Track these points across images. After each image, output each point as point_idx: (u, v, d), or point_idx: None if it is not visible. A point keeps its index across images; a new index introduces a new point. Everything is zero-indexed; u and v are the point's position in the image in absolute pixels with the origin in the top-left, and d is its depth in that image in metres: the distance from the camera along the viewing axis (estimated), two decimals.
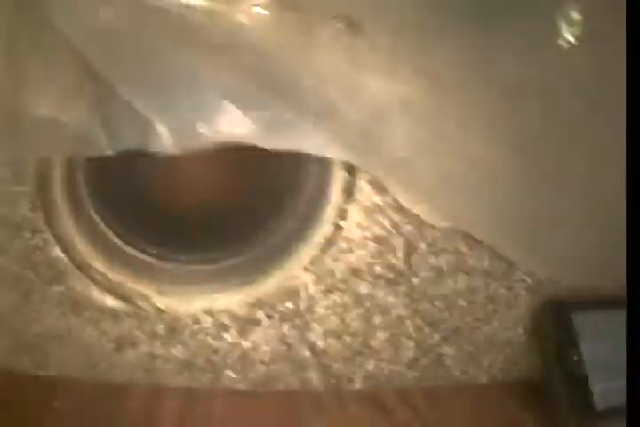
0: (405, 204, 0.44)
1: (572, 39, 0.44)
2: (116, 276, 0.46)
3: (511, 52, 0.45)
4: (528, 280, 0.49)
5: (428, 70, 0.44)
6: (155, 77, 0.39)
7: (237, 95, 0.40)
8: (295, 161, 0.45)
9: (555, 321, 0.51)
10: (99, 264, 0.46)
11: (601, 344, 0.51)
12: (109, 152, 0.42)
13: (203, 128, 0.39)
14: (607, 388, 0.50)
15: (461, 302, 0.48)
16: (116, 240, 0.47)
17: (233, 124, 0.39)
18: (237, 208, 0.49)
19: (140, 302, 0.46)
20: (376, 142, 0.44)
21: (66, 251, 0.46)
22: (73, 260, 0.46)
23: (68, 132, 0.44)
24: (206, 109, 0.40)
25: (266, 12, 0.41)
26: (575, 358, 0.49)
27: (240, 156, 0.46)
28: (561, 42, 0.44)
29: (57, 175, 0.45)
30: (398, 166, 0.44)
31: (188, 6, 0.40)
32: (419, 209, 0.44)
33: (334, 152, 0.42)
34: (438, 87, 0.44)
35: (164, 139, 0.39)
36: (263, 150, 0.42)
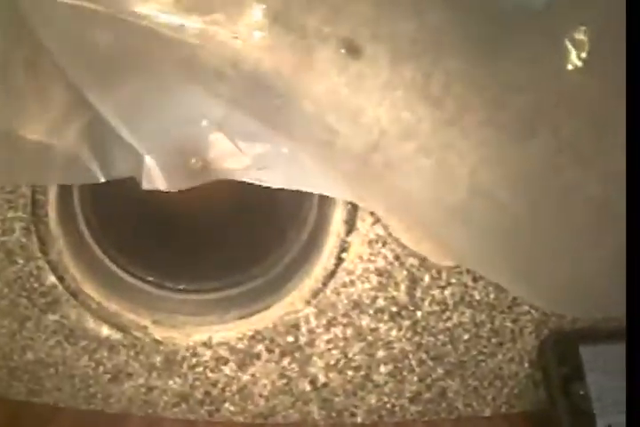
0: (408, 243, 0.43)
1: (578, 62, 0.42)
2: (111, 305, 0.45)
3: (517, 76, 0.43)
4: (533, 313, 0.48)
5: (431, 96, 0.42)
6: (146, 107, 0.37)
7: (231, 127, 0.38)
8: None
9: (560, 354, 0.49)
10: (94, 292, 0.45)
11: (608, 378, 0.49)
12: (102, 179, 0.40)
13: (194, 164, 0.37)
14: (613, 422, 0.49)
15: (466, 336, 0.46)
16: (112, 268, 0.46)
17: (226, 159, 0.38)
18: (239, 237, 0.47)
19: (136, 333, 0.45)
20: (376, 174, 0.42)
21: (60, 278, 0.44)
22: (67, 288, 0.44)
23: (61, 159, 0.42)
24: (199, 143, 0.38)
25: (263, 34, 0.39)
26: (581, 393, 0.48)
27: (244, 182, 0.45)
28: (568, 65, 0.43)
29: (52, 201, 0.44)
30: (400, 201, 0.42)
31: (181, 28, 0.38)
32: (422, 248, 0.43)
33: (333, 189, 0.40)
34: (442, 114, 0.43)
35: (154, 174, 0.37)
36: None
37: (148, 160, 0.37)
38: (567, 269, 0.48)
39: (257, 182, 0.38)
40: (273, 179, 0.39)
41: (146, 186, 0.37)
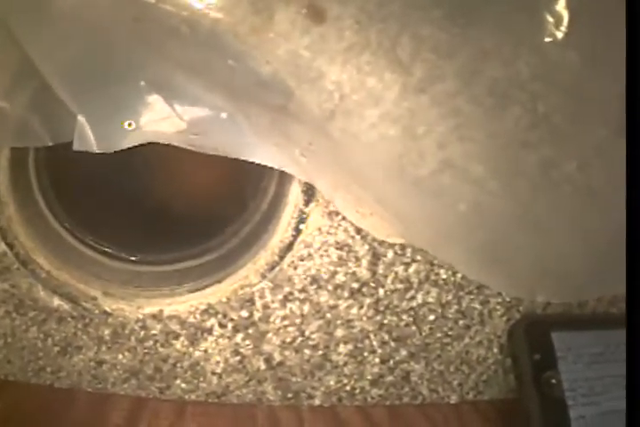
0: (352, 217, 0.38)
1: (558, 34, 0.37)
2: (62, 274, 0.40)
3: (491, 44, 0.39)
4: (504, 295, 0.43)
5: (399, 62, 0.37)
6: (86, 65, 0.33)
7: (171, 90, 0.34)
8: None
9: (532, 340, 0.44)
10: (45, 261, 0.40)
11: (581, 367, 0.44)
12: (49, 143, 0.36)
13: (130, 126, 0.33)
14: (587, 413, 0.44)
15: (431, 317, 0.42)
16: (65, 236, 0.42)
17: (160, 123, 0.34)
18: (198, 208, 0.43)
19: (85, 304, 0.40)
20: (332, 143, 0.38)
21: (10, 246, 0.40)
22: (17, 255, 0.40)
23: (12, 121, 0.38)
24: (133, 105, 0.34)
25: None
26: (553, 381, 0.43)
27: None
28: (546, 37, 0.38)
29: (3, 165, 0.40)
30: (354, 172, 0.37)
31: None
32: (367, 223, 0.38)
33: (272, 159, 0.36)
34: (410, 81, 0.38)
35: (85, 134, 0.33)
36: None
37: (80, 119, 0.33)
38: (540, 251, 0.43)
39: (191, 148, 0.34)
40: (207, 145, 0.34)
41: (76, 146, 0.33)
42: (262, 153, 0.35)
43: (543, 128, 0.41)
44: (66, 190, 0.42)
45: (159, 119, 0.33)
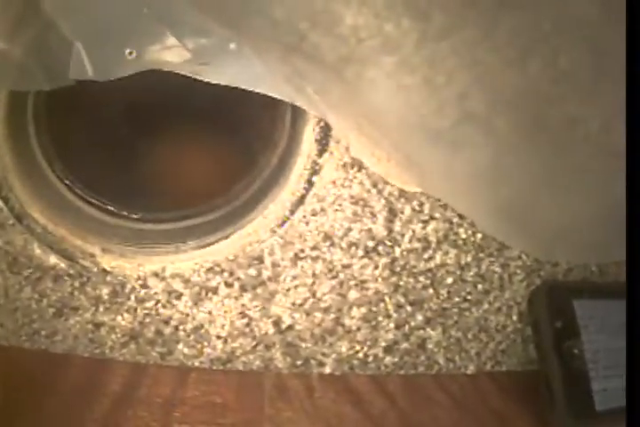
0: (368, 162, 0.33)
1: None
2: (59, 230, 0.36)
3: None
4: (524, 258, 0.38)
5: (418, 8, 0.33)
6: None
7: (177, 19, 0.30)
8: (271, 107, 0.35)
9: (553, 307, 0.39)
10: (41, 216, 0.35)
11: (604, 337, 0.39)
12: (46, 87, 0.32)
13: (131, 55, 0.29)
14: (609, 386, 0.39)
15: (449, 279, 0.37)
16: (63, 191, 0.37)
17: (164, 51, 0.29)
18: (206, 164, 0.38)
19: (83, 262, 0.35)
20: (348, 87, 0.33)
21: (5, 199, 0.35)
22: (12, 209, 0.35)
23: (11, 65, 0.34)
24: (136, 34, 0.30)
25: None
26: (575, 352, 0.37)
27: (211, 103, 0.36)
28: None
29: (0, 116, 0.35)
30: (371, 119, 0.33)
31: None
32: (382, 168, 0.33)
33: (284, 91, 0.31)
34: (429, 28, 0.34)
35: (82, 62, 0.29)
36: (232, 96, 0.32)
37: (77, 46, 0.29)
38: (561, 210, 0.38)
39: (196, 77, 0.30)
40: (215, 75, 0.30)
41: (72, 75, 0.29)
42: (272, 85, 0.31)
43: (566, 84, 0.36)
44: (66, 143, 0.37)
45: (162, 48, 0.29)
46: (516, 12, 0.35)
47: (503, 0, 0.34)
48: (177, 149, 0.39)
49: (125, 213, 0.37)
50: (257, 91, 0.30)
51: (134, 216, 0.37)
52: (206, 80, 0.29)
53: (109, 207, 0.37)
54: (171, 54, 0.29)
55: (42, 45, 0.34)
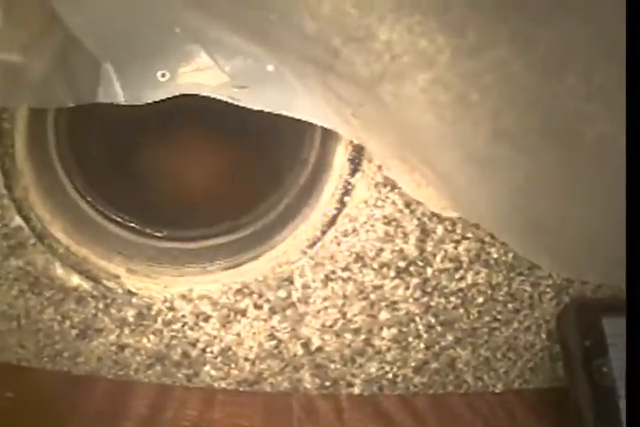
0: (406, 187, 0.32)
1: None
2: (82, 250, 0.34)
3: (546, 9, 0.33)
4: (554, 276, 0.37)
5: (452, 24, 0.32)
6: (112, 10, 0.27)
7: (210, 39, 0.28)
8: (298, 125, 0.33)
9: (582, 325, 0.38)
10: (63, 236, 0.34)
11: None
12: (70, 104, 0.30)
13: (164, 77, 0.27)
14: None
15: (480, 299, 0.36)
16: (86, 209, 0.35)
17: (199, 74, 0.27)
18: (231, 181, 0.37)
19: (107, 283, 0.34)
20: (383, 105, 0.32)
21: (26, 219, 0.34)
22: (33, 229, 0.34)
23: (31, 80, 0.32)
24: (169, 55, 0.28)
25: None
26: (604, 370, 0.36)
27: (237, 122, 0.34)
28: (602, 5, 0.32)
29: (20, 130, 0.33)
30: (407, 138, 0.31)
31: None
32: (421, 193, 0.32)
33: (323, 117, 0.29)
34: (463, 44, 0.32)
35: (112, 84, 0.27)
36: (262, 113, 0.30)
37: (106, 67, 0.27)
38: (592, 229, 0.37)
39: (233, 101, 0.28)
40: (253, 99, 0.28)
41: (102, 97, 0.27)
42: (313, 110, 0.29)
43: (598, 100, 0.35)
44: (88, 159, 0.35)
45: (197, 70, 0.27)
46: (548, 29, 0.33)
47: (536, 17, 0.33)
48: (202, 165, 0.37)
49: (149, 231, 0.35)
50: (299, 118, 0.29)
51: (159, 234, 0.35)
52: (245, 105, 0.28)
53: (133, 225, 0.36)
54: (206, 77, 0.27)
55: (64, 60, 0.32)
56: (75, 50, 0.31)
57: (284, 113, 0.28)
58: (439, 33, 0.32)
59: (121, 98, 0.27)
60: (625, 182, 0.32)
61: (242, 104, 0.28)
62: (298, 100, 0.29)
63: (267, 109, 0.28)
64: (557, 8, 0.34)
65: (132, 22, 0.28)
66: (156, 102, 0.27)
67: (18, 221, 0.34)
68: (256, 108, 0.28)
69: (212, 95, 0.28)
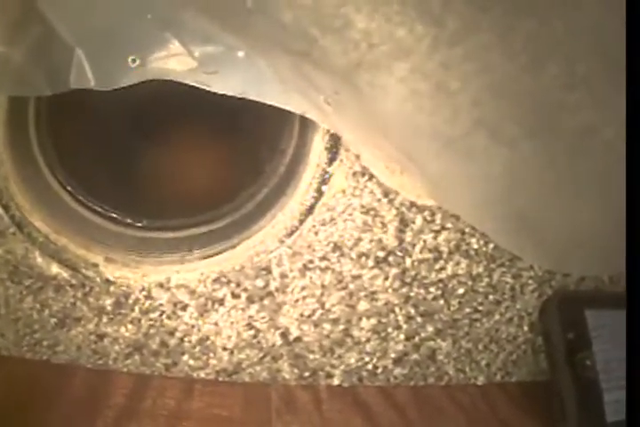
0: (380, 174, 0.31)
1: None
2: (61, 239, 0.34)
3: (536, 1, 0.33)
4: (536, 268, 0.36)
5: (431, 13, 0.31)
6: (85, 1, 0.27)
7: (182, 26, 0.28)
8: (277, 116, 0.33)
9: (565, 317, 0.37)
10: (42, 225, 0.34)
11: (616, 347, 0.37)
12: (47, 92, 0.30)
13: (134, 62, 0.27)
14: (621, 398, 0.37)
15: (460, 290, 0.35)
16: (66, 199, 0.35)
17: (169, 59, 0.27)
18: (211, 172, 0.37)
19: (85, 271, 0.34)
20: (359, 94, 0.31)
21: (5, 207, 0.33)
22: (13, 218, 0.33)
23: (10, 69, 0.32)
24: (140, 41, 0.27)
25: None
26: (587, 363, 0.36)
27: (217, 113, 0.34)
28: None
29: None
30: (383, 127, 0.31)
31: None
32: (395, 181, 0.31)
33: (294, 102, 0.29)
34: (442, 33, 0.32)
35: (83, 69, 0.27)
36: (239, 102, 0.30)
37: (78, 53, 0.27)
38: (574, 220, 0.37)
39: (202, 87, 0.28)
40: (222, 85, 0.28)
41: (73, 83, 0.27)
42: (283, 96, 0.29)
43: (581, 91, 0.34)
44: (68, 149, 0.35)
45: (167, 56, 0.27)
46: (530, 18, 0.33)
47: (517, 6, 0.32)
48: (181, 155, 0.37)
49: (129, 221, 0.35)
50: (267, 102, 0.29)
51: (138, 224, 0.35)
52: (213, 90, 0.27)
53: (113, 215, 0.35)
54: (176, 62, 0.27)
55: (42, 49, 0.32)
56: (52, 38, 0.31)
57: (253, 98, 0.28)
58: (418, 22, 0.32)
59: (92, 83, 0.27)
60: (617, 177, 0.31)
61: (210, 89, 0.28)
62: (268, 86, 0.28)
63: (235, 95, 0.28)
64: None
65: (104, 8, 0.28)
66: (126, 88, 0.27)
67: None
68: (224, 92, 0.28)
69: (181, 80, 0.27)
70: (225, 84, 0.28)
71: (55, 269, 0.34)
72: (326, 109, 0.29)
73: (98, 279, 0.34)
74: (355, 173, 0.33)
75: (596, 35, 0.33)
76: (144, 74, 0.27)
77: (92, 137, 0.35)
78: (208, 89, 0.27)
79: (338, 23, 0.32)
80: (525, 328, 0.37)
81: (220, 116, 0.34)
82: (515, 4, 0.33)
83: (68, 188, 0.35)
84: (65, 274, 0.34)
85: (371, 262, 0.34)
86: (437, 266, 0.34)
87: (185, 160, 0.37)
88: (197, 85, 0.27)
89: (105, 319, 0.34)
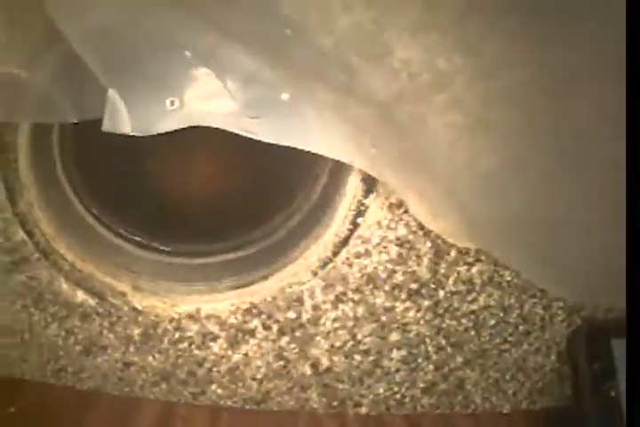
0: (423, 219, 0.30)
1: None
2: (87, 266, 0.33)
3: (560, 31, 0.31)
4: (567, 299, 0.36)
5: (473, 45, 0.30)
6: (117, 31, 0.25)
7: (220, 60, 0.25)
8: None
9: (592, 347, 0.37)
10: (68, 251, 0.32)
11: None
12: (73, 119, 0.28)
13: (173, 104, 0.25)
14: None
15: (492, 321, 0.35)
16: (92, 224, 0.34)
17: (210, 101, 0.25)
18: (241, 195, 0.35)
19: (113, 300, 0.33)
20: (398, 129, 0.30)
21: (29, 233, 0.32)
22: (37, 245, 0.32)
23: (33, 94, 0.30)
24: (177, 79, 0.25)
25: None
26: (612, 394, 0.36)
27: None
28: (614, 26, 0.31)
29: (22, 144, 0.32)
30: (423, 164, 0.30)
31: None
32: (438, 226, 0.30)
33: (337, 150, 0.27)
34: (484, 66, 0.31)
35: (118, 112, 0.25)
36: None
37: (112, 94, 0.25)
38: (602, 252, 0.36)
39: (244, 133, 0.26)
40: (265, 131, 0.26)
41: (107, 126, 0.25)
42: (329, 143, 0.27)
43: (608, 123, 0.34)
44: (93, 172, 0.34)
45: (207, 97, 0.25)
46: (561, 52, 0.32)
47: (550, 39, 0.31)
48: (212, 178, 0.36)
49: (156, 245, 0.34)
50: (314, 151, 0.27)
51: (165, 248, 0.34)
52: (258, 138, 0.26)
53: (138, 238, 0.34)
54: (216, 104, 0.25)
55: (67, 74, 0.30)
56: (77, 64, 0.29)
57: (299, 147, 0.27)
58: (456, 52, 0.30)
59: (128, 129, 0.25)
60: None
61: (253, 136, 0.26)
62: (313, 133, 0.27)
63: (280, 143, 0.26)
64: (573, 34, 0.32)
65: (137, 44, 0.26)
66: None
67: (21, 235, 0.33)
68: (269, 140, 0.26)
69: (222, 127, 0.26)
70: (269, 131, 0.26)
71: (81, 296, 0.33)
72: (372, 154, 0.28)
73: (125, 308, 0.33)
74: (390, 206, 0.32)
75: (622, 66, 0.33)
76: (184, 118, 0.25)
77: (117, 159, 0.34)
78: (252, 137, 0.26)
79: (377, 50, 0.31)
80: (553, 357, 0.36)
81: (252, 140, 0.32)
82: (548, 38, 0.32)
83: (94, 211, 0.34)
84: (91, 302, 0.33)
85: (404, 295, 0.33)
86: (470, 298, 0.34)
87: (216, 183, 0.36)
88: (236, 131, 0.26)
89: (132, 348, 0.33)
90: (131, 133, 0.25)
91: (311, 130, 0.27)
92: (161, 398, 0.34)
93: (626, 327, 0.28)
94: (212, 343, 0.33)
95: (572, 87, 0.32)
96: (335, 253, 0.32)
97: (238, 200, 0.35)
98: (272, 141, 0.26)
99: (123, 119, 0.24)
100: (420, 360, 0.34)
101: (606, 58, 0.32)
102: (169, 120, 0.25)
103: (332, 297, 0.33)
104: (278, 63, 0.28)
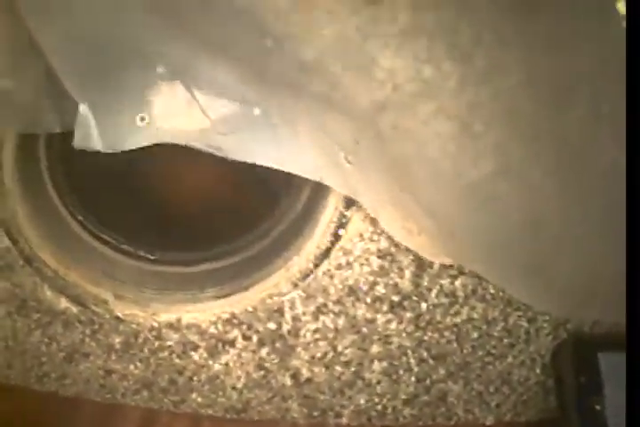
0: (398, 235, 0.29)
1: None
2: (70, 273, 0.32)
3: (555, 33, 0.31)
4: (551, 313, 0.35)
5: (461, 51, 0.29)
6: (89, 43, 0.24)
7: (193, 75, 0.25)
8: None
9: (578, 361, 0.37)
10: (52, 259, 0.32)
11: None
12: (58, 129, 0.28)
13: (142, 121, 0.25)
14: None
15: (475, 334, 0.34)
16: (75, 228, 0.34)
17: (179, 117, 0.25)
18: (225, 205, 0.35)
19: (95, 308, 0.33)
20: (379, 141, 0.29)
21: (14, 240, 0.32)
22: (21, 252, 0.32)
23: (18, 103, 0.30)
24: (148, 95, 0.25)
25: None
26: (597, 408, 0.35)
27: None
28: (613, 29, 0.30)
29: (7, 151, 0.32)
30: (401, 180, 0.29)
31: None
32: (414, 242, 0.30)
33: (317, 168, 0.27)
34: (472, 73, 0.30)
35: (88, 129, 0.24)
36: None
37: (83, 110, 0.24)
38: (590, 268, 0.35)
39: (213, 151, 0.26)
40: (235, 149, 0.26)
41: (77, 143, 0.25)
42: (300, 161, 0.27)
43: (607, 129, 0.33)
44: (80, 179, 0.34)
45: (177, 113, 0.25)
46: (557, 56, 0.31)
47: (547, 42, 0.31)
48: (197, 187, 0.35)
49: (142, 253, 0.34)
50: (285, 170, 0.27)
51: (150, 257, 0.34)
52: (227, 156, 0.25)
53: (124, 246, 0.34)
54: (187, 120, 0.25)
55: (53, 83, 0.30)
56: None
57: (267, 165, 0.26)
58: (445, 59, 0.30)
59: (98, 146, 0.25)
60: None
61: (222, 154, 0.25)
62: (284, 149, 0.26)
63: (249, 161, 0.26)
64: (569, 36, 0.31)
65: (109, 57, 0.25)
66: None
67: (6, 242, 0.33)
68: (239, 159, 0.26)
69: (193, 144, 0.25)
70: (239, 148, 0.25)
71: (64, 304, 0.33)
72: (346, 169, 0.28)
73: (107, 316, 0.33)
74: (373, 218, 0.31)
75: (622, 69, 0.32)
76: (153, 135, 0.25)
77: (104, 167, 0.34)
78: (221, 155, 0.25)
79: (361, 60, 0.30)
80: (537, 370, 0.36)
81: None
82: (543, 39, 0.31)
83: (79, 217, 0.34)
84: (74, 309, 0.33)
85: (385, 307, 0.33)
86: (453, 310, 0.33)
87: (201, 192, 0.35)
88: (210, 151, 0.25)
89: (114, 356, 0.33)
90: (100, 151, 0.25)
91: (282, 146, 0.26)
92: (142, 405, 0.34)
93: (625, 339, 0.28)
94: (192, 353, 0.33)
95: (562, 93, 0.32)
96: (316, 265, 0.32)
97: (221, 209, 0.35)
98: (241, 159, 0.25)
99: (92, 136, 0.24)
100: (401, 372, 0.34)
101: (600, 62, 0.31)
102: (138, 137, 0.25)
103: (312, 308, 0.32)
104: (253, 75, 0.27)
